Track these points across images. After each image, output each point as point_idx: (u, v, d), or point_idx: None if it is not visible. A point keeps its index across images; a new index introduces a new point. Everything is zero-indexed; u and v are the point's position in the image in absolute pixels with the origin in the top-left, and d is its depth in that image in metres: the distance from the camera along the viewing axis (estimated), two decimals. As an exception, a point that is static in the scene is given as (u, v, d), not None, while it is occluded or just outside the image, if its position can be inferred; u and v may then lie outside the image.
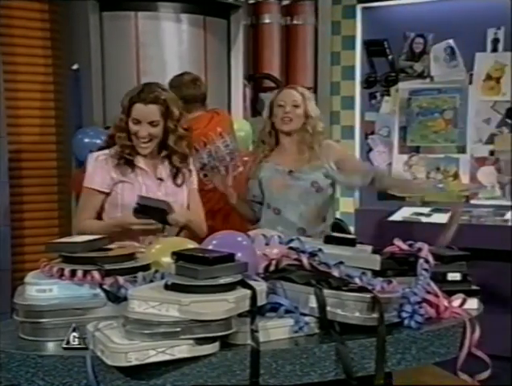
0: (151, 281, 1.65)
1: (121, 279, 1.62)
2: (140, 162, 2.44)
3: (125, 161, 2.41)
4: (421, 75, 4.32)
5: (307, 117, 2.83)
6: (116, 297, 1.61)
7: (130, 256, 1.76)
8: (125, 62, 3.58)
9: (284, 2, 4.51)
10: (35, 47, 3.83)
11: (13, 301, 1.64)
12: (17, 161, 3.80)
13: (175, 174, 2.49)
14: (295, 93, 2.87)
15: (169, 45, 3.69)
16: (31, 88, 3.83)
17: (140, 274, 1.66)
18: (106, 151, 2.46)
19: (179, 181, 2.50)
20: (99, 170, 2.41)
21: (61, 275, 1.64)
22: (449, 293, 1.78)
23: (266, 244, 1.83)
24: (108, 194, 2.42)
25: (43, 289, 1.62)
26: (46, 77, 3.88)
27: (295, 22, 4.43)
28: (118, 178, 2.41)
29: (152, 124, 2.36)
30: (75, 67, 3.58)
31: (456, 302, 1.76)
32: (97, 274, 1.62)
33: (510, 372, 3.01)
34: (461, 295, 1.78)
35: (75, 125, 3.66)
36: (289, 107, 2.82)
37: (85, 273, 1.63)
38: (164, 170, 2.48)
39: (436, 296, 1.72)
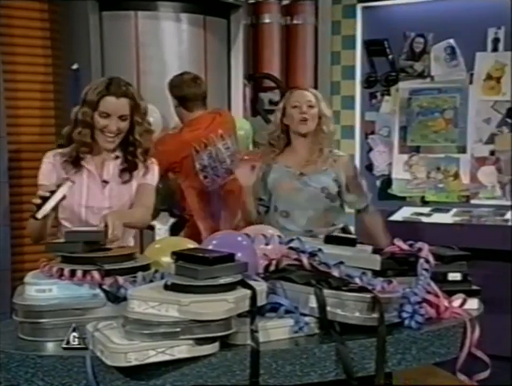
0: (151, 281, 1.65)
1: (120, 279, 1.62)
2: (89, 162, 2.37)
3: (74, 160, 2.35)
4: (421, 75, 4.31)
5: (320, 117, 2.80)
6: (115, 298, 1.61)
7: (130, 256, 1.76)
8: (125, 62, 3.57)
9: (284, 2, 4.50)
10: (34, 47, 3.81)
11: (12, 302, 1.64)
12: (17, 161, 3.79)
13: (128, 169, 2.39)
14: (307, 94, 2.85)
15: (169, 45, 3.68)
16: (31, 88, 3.82)
17: (140, 274, 1.66)
18: (60, 150, 2.39)
19: (126, 177, 2.39)
20: (47, 167, 2.36)
21: (61, 275, 1.63)
22: (449, 294, 1.77)
23: (266, 244, 1.82)
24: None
25: (43, 289, 1.62)
26: (46, 77, 3.86)
27: (295, 21, 4.42)
28: (62, 177, 2.30)
29: (122, 118, 2.31)
30: (75, 66, 3.56)
31: (457, 302, 1.76)
32: (96, 274, 1.62)
33: (510, 372, 3.01)
34: (462, 295, 1.78)
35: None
36: (305, 107, 2.78)
37: (85, 272, 1.62)
38: (113, 169, 2.39)
39: (437, 296, 1.71)
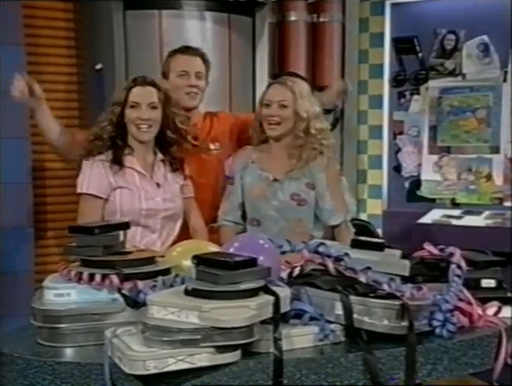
0: (171, 286, 1.62)
1: (140, 283, 1.59)
2: (135, 164, 2.42)
3: (118, 162, 2.40)
4: (452, 73, 4.21)
5: (297, 117, 2.49)
6: (135, 303, 1.58)
7: (150, 260, 1.73)
8: (149, 61, 3.54)
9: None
10: (58, 47, 3.81)
11: (31, 306, 1.62)
12: (40, 162, 3.79)
13: (173, 169, 2.50)
14: (283, 90, 2.50)
15: (193, 44, 3.63)
16: (55, 88, 3.81)
17: (160, 279, 1.63)
18: (101, 156, 2.41)
19: (172, 177, 2.50)
20: (95, 174, 2.37)
21: (79, 279, 1.61)
22: (483, 301, 1.72)
23: (292, 252, 1.78)
24: (105, 200, 2.38)
25: (61, 293, 1.60)
26: (69, 77, 3.86)
27: (321, 19, 4.35)
28: (116, 184, 2.37)
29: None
30: (98, 66, 3.56)
31: (491, 310, 1.70)
32: (115, 278, 1.59)
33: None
34: (496, 303, 1.72)
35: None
36: (275, 108, 2.49)
37: (104, 277, 1.59)
38: (161, 170, 2.48)
39: (469, 303, 1.66)
